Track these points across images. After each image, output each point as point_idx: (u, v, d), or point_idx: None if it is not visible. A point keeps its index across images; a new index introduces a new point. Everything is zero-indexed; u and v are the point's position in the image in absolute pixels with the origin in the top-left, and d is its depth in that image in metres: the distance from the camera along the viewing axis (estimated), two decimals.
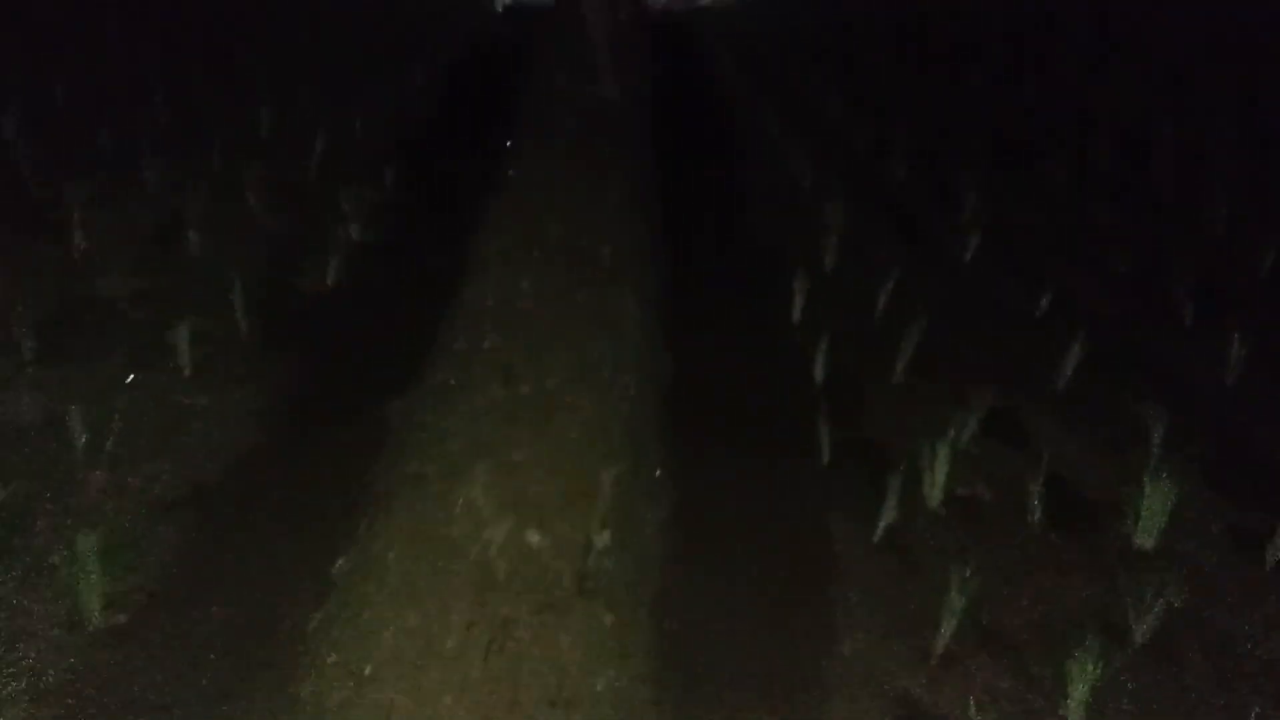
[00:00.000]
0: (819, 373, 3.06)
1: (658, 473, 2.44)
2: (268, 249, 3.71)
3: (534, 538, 1.93)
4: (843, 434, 2.74)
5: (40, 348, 2.89)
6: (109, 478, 2.40)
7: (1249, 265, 3.83)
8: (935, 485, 2.57)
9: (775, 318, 3.39)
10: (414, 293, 3.35)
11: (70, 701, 1.79)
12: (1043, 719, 1.91)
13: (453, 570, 1.84)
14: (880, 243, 3.91)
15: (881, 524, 2.40)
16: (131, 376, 2.85)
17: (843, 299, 3.50)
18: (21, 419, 2.63)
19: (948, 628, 2.05)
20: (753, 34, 7.00)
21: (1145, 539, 2.41)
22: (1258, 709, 1.95)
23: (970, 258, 3.82)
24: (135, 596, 2.04)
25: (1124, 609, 2.13)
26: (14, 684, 1.82)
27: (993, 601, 2.19)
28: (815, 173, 4.19)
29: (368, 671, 1.65)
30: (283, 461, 2.57)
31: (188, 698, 1.81)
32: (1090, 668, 1.90)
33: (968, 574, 2.06)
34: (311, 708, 1.64)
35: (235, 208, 3.90)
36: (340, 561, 1.98)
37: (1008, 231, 3.96)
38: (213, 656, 1.90)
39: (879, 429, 2.87)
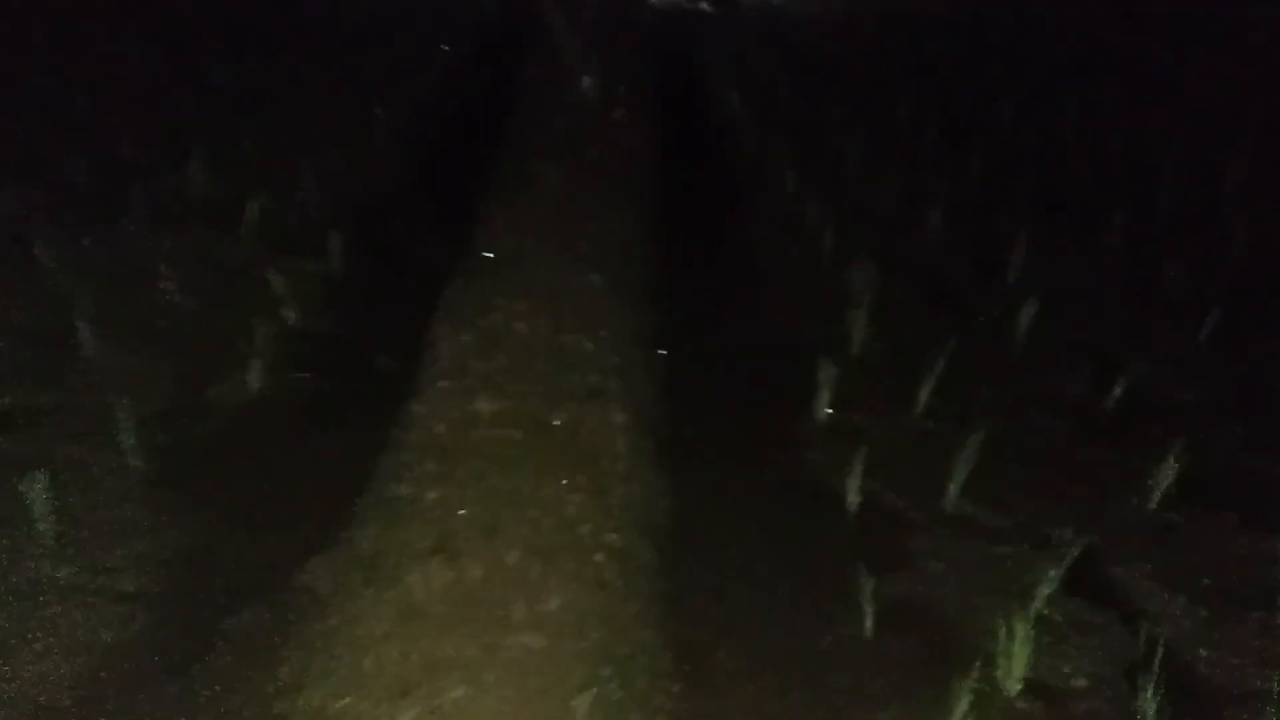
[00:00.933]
0: (851, 498, 2.47)
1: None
2: (179, 347, 2.98)
3: None
4: (888, 591, 2.15)
5: None
6: None
7: None
8: (1012, 668, 1.99)
9: (796, 423, 2.80)
10: (351, 406, 2.76)
11: None
12: None
13: None
14: (916, 317, 3.31)
15: None
16: None
17: (876, 394, 2.88)
18: None
19: None
20: (765, 50, 6.44)
21: None
22: None
23: (1022, 335, 3.21)
24: None
25: None
26: None
27: None
28: (837, 229, 3.62)
29: None
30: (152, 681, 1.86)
31: None
32: None
33: None
34: None
35: (146, 291, 3.21)
36: None
37: (1062, 299, 3.34)
38: None
39: (933, 584, 2.26)
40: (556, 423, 2.22)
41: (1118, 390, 2.86)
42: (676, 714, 1.84)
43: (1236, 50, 6.11)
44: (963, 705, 1.86)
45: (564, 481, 2.01)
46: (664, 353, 2.82)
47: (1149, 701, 1.88)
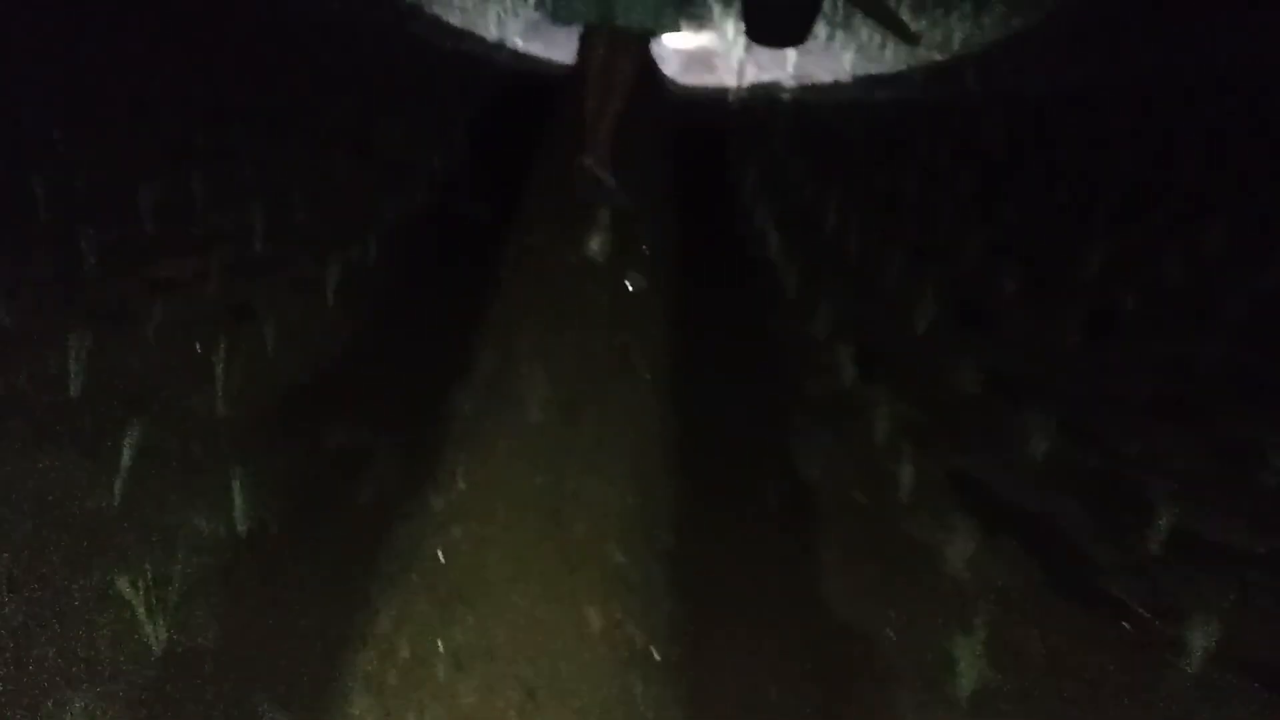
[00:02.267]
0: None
1: None
2: None
3: None
4: None
5: None
6: None
7: None
8: None
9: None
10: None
11: None
12: None
13: None
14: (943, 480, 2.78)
15: None
16: None
17: (903, 571, 2.38)
18: None
19: None
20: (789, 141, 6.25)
21: None
22: None
23: (1067, 473, 2.76)
24: None
25: None
26: None
27: None
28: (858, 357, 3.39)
29: None
30: None
31: None
32: None
33: None
34: None
35: None
36: None
37: (1099, 433, 3.08)
38: None
39: None
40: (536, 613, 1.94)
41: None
42: None
43: None
44: None
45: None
46: None
47: None
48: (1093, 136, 5.70)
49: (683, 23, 3.89)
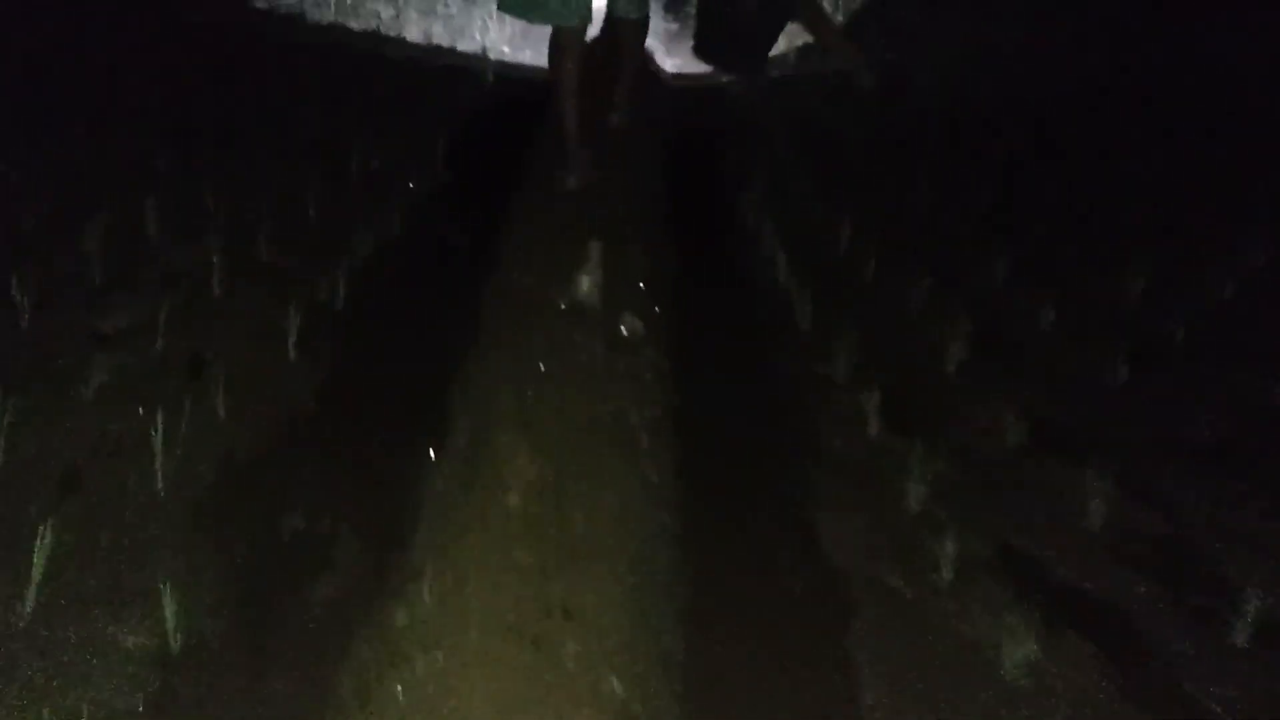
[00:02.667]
0: None
1: None
2: None
3: None
4: None
5: None
6: None
7: None
8: None
9: None
10: None
11: None
12: None
13: None
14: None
15: None
16: None
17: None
18: None
19: None
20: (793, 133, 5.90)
21: None
22: None
23: (1131, 543, 2.43)
24: None
25: None
26: None
27: None
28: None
29: None
30: None
31: None
32: None
33: None
34: None
35: None
36: None
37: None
38: None
39: None
40: None
41: None
42: None
43: None
44: None
45: None
46: None
47: None
48: (1103, 142, 5.35)
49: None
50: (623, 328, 2.80)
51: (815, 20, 3.67)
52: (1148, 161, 4.93)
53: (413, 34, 7.20)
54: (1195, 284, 3.69)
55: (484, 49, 6.91)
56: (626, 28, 3.82)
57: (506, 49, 7.41)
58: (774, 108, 5.99)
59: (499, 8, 3.58)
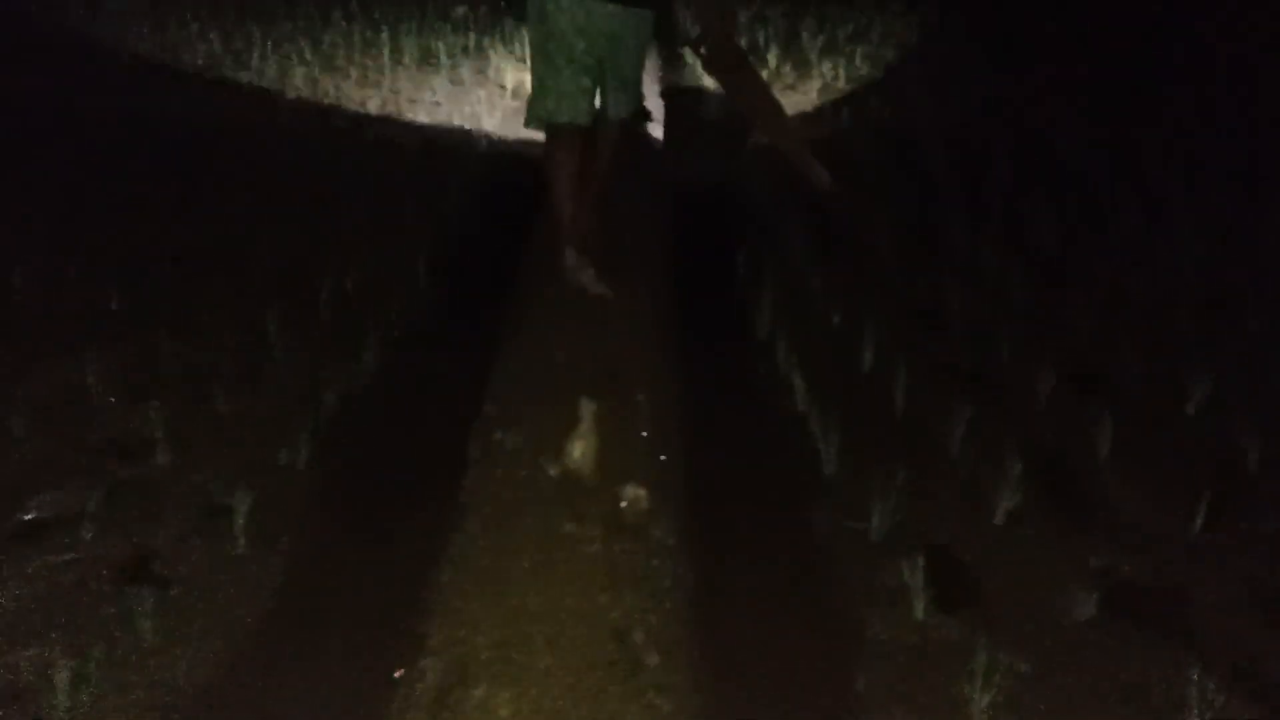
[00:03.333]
0: None
1: None
2: None
3: None
4: None
5: None
6: None
7: None
8: None
9: None
10: None
11: None
12: None
13: None
14: None
15: None
16: None
17: None
18: None
19: None
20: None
21: None
22: None
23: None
24: None
25: None
26: None
27: None
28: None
29: None
30: None
31: None
32: None
33: None
34: None
35: None
36: None
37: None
38: None
39: None
40: None
41: None
42: None
43: None
44: None
45: None
46: None
47: None
48: (1141, 216, 4.99)
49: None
50: (623, 501, 2.41)
51: (781, 134, 3.68)
52: (1196, 240, 4.57)
53: (394, 119, 6.96)
54: (1267, 389, 3.32)
55: (474, 131, 6.67)
56: (611, 127, 3.62)
57: (496, 129, 7.18)
58: (777, 189, 5.66)
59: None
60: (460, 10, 9.63)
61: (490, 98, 7.16)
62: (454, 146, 6.06)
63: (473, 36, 8.81)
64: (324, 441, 2.99)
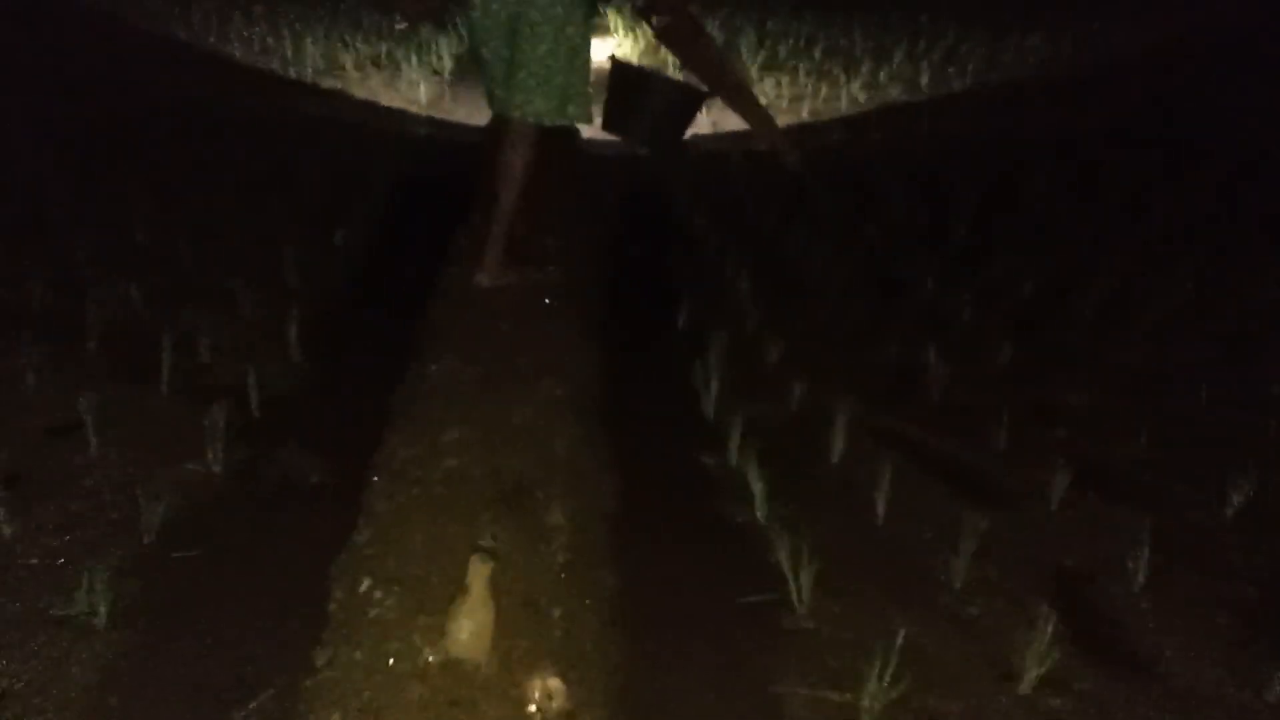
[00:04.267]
0: None
1: None
2: None
3: None
4: None
5: None
6: None
7: None
8: None
9: None
10: None
11: None
12: None
13: None
14: None
15: None
16: None
17: None
18: None
19: None
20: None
21: None
22: None
23: None
24: None
25: None
26: None
27: None
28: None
29: None
30: None
31: None
32: None
33: None
34: None
35: None
36: None
37: None
38: None
39: None
40: None
41: None
42: None
43: None
44: None
45: None
46: None
47: None
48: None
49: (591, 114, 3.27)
50: (532, 703, 1.73)
51: (743, 105, 3.35)
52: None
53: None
54: None
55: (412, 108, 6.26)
56: (558, 134, 3.36)
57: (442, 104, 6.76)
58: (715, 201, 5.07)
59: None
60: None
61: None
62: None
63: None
64: (146, 577, 2.25)
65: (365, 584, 2.03)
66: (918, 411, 3.17)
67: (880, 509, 2.61)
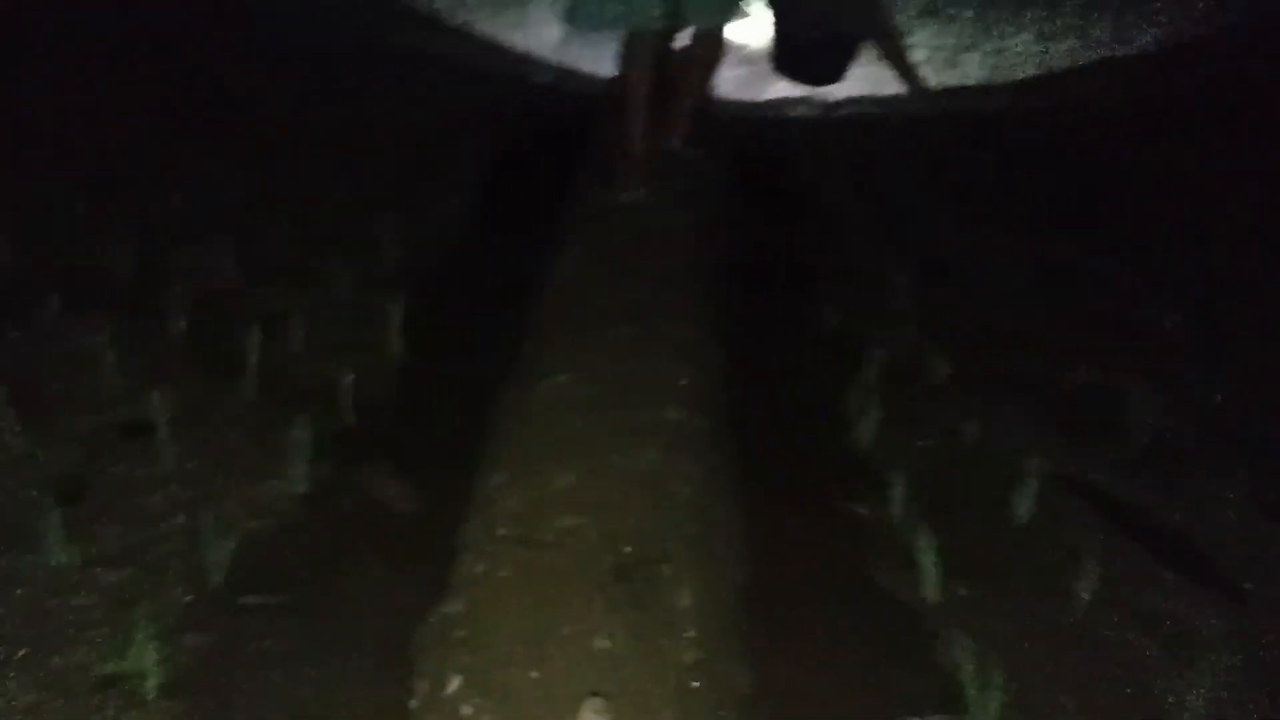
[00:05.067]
0: None
1: None
2: None
3: None
4: None
5: None
6: None
7: None
8: None
9: None
10: None
11: None
12: None
13: None
14: None
15: None
16: None
17: None
18: None
19: None
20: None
21: None
22: None
23: None
24: None
25: None
26: None
27: None
28: None
29: None
30: None
31: None
32: None
33: None
34: None
35: None
36: None
37: None
38: None
39: None
40: None
41: None
42: None
43: None
44: None
45: None
46: None
47: None
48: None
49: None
50: None
51: (892, 51, 4.01)
52: None
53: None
54: None
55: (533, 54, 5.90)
56: (702, 40, 3.34)
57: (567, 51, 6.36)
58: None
59: (569, 20, 3.31)
60: None
61: None
62: None
63: None
64: (206, 627, 1.94)
65: (454, 685, 1.66)
66: (1121, 453, 2.61)
67: (1084, 596, 2.11)
